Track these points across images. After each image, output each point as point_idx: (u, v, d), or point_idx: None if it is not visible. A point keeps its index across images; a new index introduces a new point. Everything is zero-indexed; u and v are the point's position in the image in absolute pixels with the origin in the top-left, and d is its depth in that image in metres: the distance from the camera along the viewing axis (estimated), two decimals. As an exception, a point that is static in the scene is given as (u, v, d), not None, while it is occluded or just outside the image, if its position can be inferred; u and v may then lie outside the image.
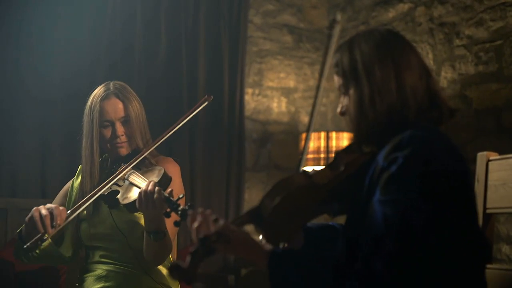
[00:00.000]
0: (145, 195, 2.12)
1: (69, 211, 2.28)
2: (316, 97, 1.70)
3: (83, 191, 2.39)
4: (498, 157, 2.09)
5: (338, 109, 1.67)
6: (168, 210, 2.05)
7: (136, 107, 2.42)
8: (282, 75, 4.57)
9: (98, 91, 2.43)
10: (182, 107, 4.02)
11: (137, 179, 2.27)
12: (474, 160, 2.11)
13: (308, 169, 4.08)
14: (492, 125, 3.41)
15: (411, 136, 1.48)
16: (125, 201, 2.22)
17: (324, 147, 3.94)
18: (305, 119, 4.61)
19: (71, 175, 2.61)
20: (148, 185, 2.14)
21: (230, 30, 4.25)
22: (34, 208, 2.24)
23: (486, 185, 2.07)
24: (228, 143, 4.19)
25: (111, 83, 2.44)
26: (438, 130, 1.56)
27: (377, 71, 1.56)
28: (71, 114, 3.69)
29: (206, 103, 2.40)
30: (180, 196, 2.08)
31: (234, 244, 1.49)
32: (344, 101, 1.64)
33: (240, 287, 4.01)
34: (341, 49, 1.68)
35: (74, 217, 2.41)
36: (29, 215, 2.24)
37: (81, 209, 2.28)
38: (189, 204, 2.02)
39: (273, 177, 4.47)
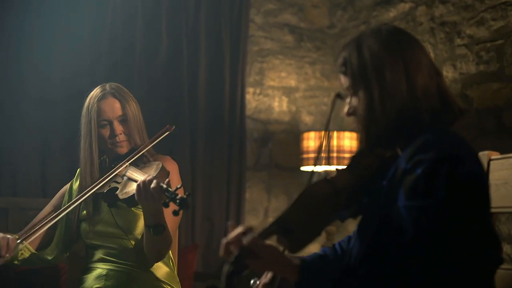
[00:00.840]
0: (143, 185, 2.13)
1: (62, 208, 2.31)
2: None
3: (82, 191, 2.39)
4: (499, 156, 2.09)
5: (345, 110, 1.64)
6: (167, 200, 2.05)
7: (133, 106, 2.44)
8: (283, 74, 4.57)
9: (95, 92, 2.45)
10: (182, 107, 4.02)
11: (135, 174, 2.28)
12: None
13: (309, 168, 4.05)
14: (493, 124, 3.41)
15: (436, 139, 1.46)
16: (124, 196, 2.23)
17: (325, 146, 3.94)
18: (306, 118, 4.61)
19: (71, 175, 2.61)
20: (145, 178, 2.14)
21: (231, 30, 4.24)
22: None
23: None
24: (229, 142, 4.19)
25: (107, 85, 2.47)
26: (455, 132, 1.54)
27: (387, 73, 1.53)
28: (72, 114, 3.67)
29: (167, 133, 2.39)
30: (178, 186, 2.08)
31: (264, 260, 1.49)
32: (352, 101, 1.61)
33: (242, 287, 4.00)
34: (348, 48, 1.62)
35: (72, 217, 2.42)
36: None
37: (75, 204, 2.29)
38: (187, 193, 2.01)
39: (274, 176, 4.47)
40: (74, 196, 2.47)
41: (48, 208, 2.54)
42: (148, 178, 2.13)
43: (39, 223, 2.38)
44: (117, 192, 2.27)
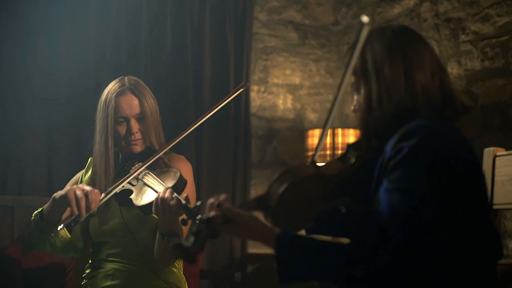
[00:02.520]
0: (161, 201, 2.09)
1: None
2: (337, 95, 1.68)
3: (94, 186, 2.38)
4: (505, 152, 2.09)
5: (352, 107, 1.67)
6: (185, 218, 2.00)
7: (151, 103, 2.39)
8: (287, 72, 4.57)
9: (113, 86, 2.38)
10: (188, 105, 4.03)
11: (152, 181, 2.24)
12: (480, 156, 2.11)
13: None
14: (498, 120, 3.40)
15: (417, 126, 1.48)
16: (140, 203, 2.20)
17: (330, 143, 3.94)
18: (310, 115, 4.61)
19: (77, 172, 2.61)
20: (164, 192, 2.10)
21: (235, 27, 4.24)
22: (69, 187, 2.20)
23: (493, 180, 2.06)
24: (234, 140, 4.19)
25: (126, 78, 2.40)
26: (446, 123, 1.54)
27: (386, 70, 1.55)
28: (77, 113, 3.71)
29: (242, 90, 2.37)
30: (197, 204, 2.01)
31: (241, 227, 1.51)
32: (356, 99, 1.64)
33: (247, 284, 4.01)
34: (353, 47, 1.65)
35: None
36: (62, 193, 2.20)
37: (102, 201, 2.25)
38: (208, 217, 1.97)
39: (279, 174, 4.46)
40: None
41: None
42: (166, 196, 2.09)
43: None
44: (132, 196, 2.24)
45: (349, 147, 1.65)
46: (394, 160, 1.46)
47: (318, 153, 1.65)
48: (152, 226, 2.32)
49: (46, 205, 2.28)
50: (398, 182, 1.43)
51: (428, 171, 1.41)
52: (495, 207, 2.04)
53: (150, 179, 2.25)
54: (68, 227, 2.19)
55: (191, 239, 1.48)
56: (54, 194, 2.24)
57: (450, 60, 3.72)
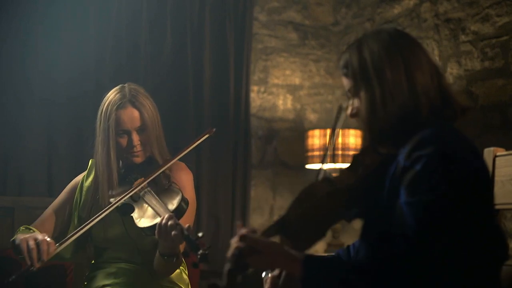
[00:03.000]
0: (164, 229, 2.08)
1: (81, 226, 2.27)
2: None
3: (96, 194, 2.38)
4: (505, 152, 2.09)
5: (348, 112, 1.65)
6: (187, 249, 2.00)
7: (152, 114, 2.38)
8: (287, 72, 4.57)
9: (114, 97, 2.37)
10: (188, 107, 4.03)
11: (154, 202, 2.23)
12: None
13: (314, 166, 4.04)
14: (498, 121, 3.40)
15: (432, 135, 1.47)
16: (141, 225, 2.19)
17: (330, 144, 3.94)
18: (310, 116, 4.61)
19: (76, 174, 2.60)
20: (168, 219, 2.08)
21: (235, 28, 4.24)
22: (22, 237, 2.20)
23: (493, 180, 2.06)
24: (234, 140, 4.19)
25: (126, 88, 2.39)
26: (455, 128, 1.55)
27: (387, 72, 1.55)
28: (77, 113, 3.71)
29: (207, 136, 2.37)
30: (199, 235, 1.98)
31: (265, 255, 1.48)
32: (354, 103, 1.63)
33: (247, 284, 4.01)
34: (349, 51, 1.65)
35: (84, 216, 2.40)
36: (17, 241, 2.20)
37: (91, 224, 2.25)
38: (208, 246, 1.96)
39: (279, 174, 4.47)
40: (85, 193, 2.45)
41: (59, 201, 2.49)
42: (170, 223, 2.06)
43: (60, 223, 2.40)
44: (133, 215, 2.23)
45: (356, 156, 1.65)
46: (412, 171, 1.45)
47: (327, 156, 1.66)
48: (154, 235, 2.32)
49: (15, 237, 2.26)
50: (420, 194, 1.42)
51: (448, 181, 1.41)
52: (495, 207, 2.04)
53: (152, 200, 2.24)
54: (20, 277, 2.17)
55: (224, 278, 1.49)
56: (15, 238, 2.23)
57: (450, 60, 3.72)
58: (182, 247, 2.19)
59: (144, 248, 2.33)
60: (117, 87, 2.41)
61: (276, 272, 1.75)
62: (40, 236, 2.18)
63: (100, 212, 2.25)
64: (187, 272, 2.50)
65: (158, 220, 2.12)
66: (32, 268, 2.14)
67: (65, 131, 3.68)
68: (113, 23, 3.86)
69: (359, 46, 1.62)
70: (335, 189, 1.57)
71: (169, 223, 2.07)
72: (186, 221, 2.17)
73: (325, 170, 1.66)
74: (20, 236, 2.22)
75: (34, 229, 2.36)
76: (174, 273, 2.39)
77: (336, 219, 1.63)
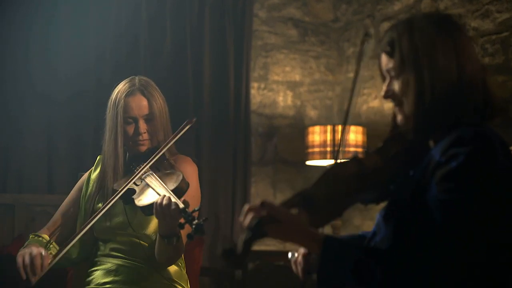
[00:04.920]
0: (160, 206, 2.11)
1: (85, 223, 2.27)
2: (352, 91, 1.65)
3: (103, 184, 2.39)
4: (505, 149, 2.08)
5: (383, 93, 1.59)
6: (183, 221, 2.03)
7: (161, 104, 2.41)
8: (287, 69, 4.57)
9: (123, 86, 2.40)
10: (188, 103, 4.03)
11: (154, 182, 2.25)
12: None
13: (314, 163, 4.03)
14: (499, 119, 3.39)
15: (472, 134, 1.44)
16: (140, 203, 2.21)
17: (330, 140, 3.94)
18: (311, 112, 4.61)
19: (77, 171, 2.61)
20: (163, 199, 2.11)
21: (235, 25, 4.24)
22: (20, 253, 2.22)
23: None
24: (234, 137, 4.19)
25: (136, 78, 2.42)
26: (493, 129, 1.52)
27: (440, 58, 1.50)
28: (77, 112, 3.72)
29: (188, 126, 2.37)
30: (196, 208, 2.05)
31: (286, 226, 1.43)
32: (393, 84, 1.57)
33: (247, 282, 4.02)
34: (398, 29, 1.56)
35: (88, 207, 2.41)
36: (17, 256, 2.22)
37: (97, 217, 2.26)
38: (204, 218, 2.00)
39: (279, 171, 4.47)
40: (91, 185, 2.46)
41: (68, 200, 2.50)
42: (165, 201, 2.10)
43: (64, 223, 2.41)
44: (134, 196, 2.26)
45: (387, 141, 1.61)
46: (447, 167, 1.42)
47: (341, 150, 1.63)
48: (155, 225, 2.33)
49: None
50: (453, 192, 1.40)
51: (483, 182, 1.39)
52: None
53: (153, 180, 2.26)
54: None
55: (240, 243, 1.41)
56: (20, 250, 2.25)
57: (450, 57, 3.71)
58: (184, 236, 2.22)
59: (146, 239, 2.34)
60: (127, 78, 2.44)
61: (304, 250, 1.70)
62: (35, 251, 2.20)
63: (106, 203, 2.27)
64: (184, 265, 2.50)
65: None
66: (30, 284, 2.18)
67: (65, 129, 3.69)
68: (113, 22, 3.86)
69: (410, 28, 1.55)
70: (363, 171, 1.54)
71: (166, 198, 2.11)
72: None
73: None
74: (20, 251, 2.25)
75: (43, 235, 2.37)
76: (173, 270, 2.40)
77: (356, 201, 1.59)
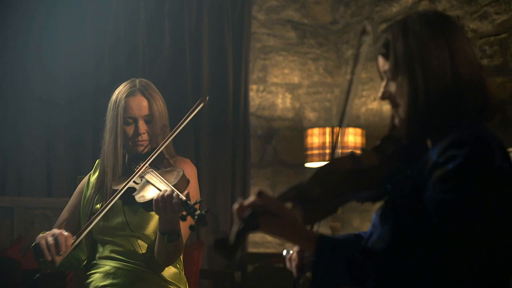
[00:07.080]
0: (162, 199, 2.11)
1: (87, 224, 2.27)
2: (348, 93, 1.64)
3: (101, 185, 2.39)
4: (504, 150, 2.08)
5: (380, 94, 1.59)
6: (185, 213, 2.03)
7: (161, 106, 2.43)
8: (286, 71, 4.57)
9: (124, 87, 2.41)
10: (186, 105, 4.02)
11: (155, 179, 2.26)
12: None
13: (313, 165, 4.04)
14: (497, 119, 3.40)
15: (470, 136, 1.44)
16: (141, 200, 2.21)
17: (329, 142, 3.94)
18: (309, 114, 4.61)
19: (76, 174, 2.61)
20: (165, 190, 2.12)
21: (233, 27, 4.25)
22: (41, 235, 2.21)
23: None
24: (233, 139, 4.19)
25: (137, 80, 2.43)
26: (491, 131, 1.51)
27: (433, 60, 1.49)
28: (76, 115, 3.72)
29: (202, 105, 2.38)
30: (198, 200, 2.06)
31: (280, 220, 1.40)
32: (389, 86, 1.57)
33: (246, 284, 4.01)
34: (392, 31, 1.56)
35: (87, 208, 2.41)
36: (37, 241, 2.21)
37: (98, 218, 2.26)
38: (206, 209, 2.01)
39: (278, 173, 4.47)
40: (91, 188, 2.46)
41: (69, 205, 2.50)
42: (167, 193, 2.11)
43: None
44: (134, 193, 2.25)
45: (384, 140, 1.60)
46: (444, 168, 1.41)
47: (336, 152, 1.62)
48: (154, 225, 2.33)
49: (36, 243, 2.26)
50: (449, 192, 1.39)
51: (479, 184, 1.39)
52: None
53: (153, 177, 2.27)
54: (45, 275, 2.19)
55: (233, 235, 1.38)
56: (36, 241, 2.24)
57: (448, 58, 3.72)
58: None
59: (145, 239, 2.34)
60: (128, 80, 2.45)
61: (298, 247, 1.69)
62: (57, 231, 2.20)
63: (108, 202, 2.27)
64: (182, 267, 2.50)
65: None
66: (54, 263, 2.17)
67: (64, 132, 3.69)
68: (111, 24, 3.86)
69: (404, 29, 1.54)
70: (360, 168, 1.53)
71: (166, 193, 2.11)
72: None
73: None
74: (40, 235, 2.23)
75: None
76: (172, 272, 2.39)
77: (352, 198, 1.57)
